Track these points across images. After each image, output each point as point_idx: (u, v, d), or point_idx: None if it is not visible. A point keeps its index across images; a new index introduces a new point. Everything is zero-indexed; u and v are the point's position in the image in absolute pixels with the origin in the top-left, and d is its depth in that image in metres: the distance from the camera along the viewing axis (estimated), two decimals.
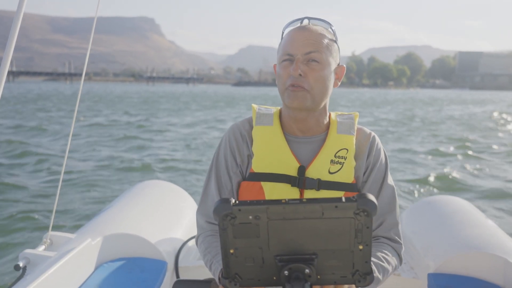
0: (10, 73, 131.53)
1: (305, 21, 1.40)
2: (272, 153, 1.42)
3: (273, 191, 1.39)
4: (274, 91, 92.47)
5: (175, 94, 61.49)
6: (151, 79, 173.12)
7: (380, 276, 1.30)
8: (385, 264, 1.33)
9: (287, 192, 1.39)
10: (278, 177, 1.40)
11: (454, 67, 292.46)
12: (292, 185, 1.39)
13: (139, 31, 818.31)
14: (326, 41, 1.36)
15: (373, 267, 1.28)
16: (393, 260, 1.38)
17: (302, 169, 1.39)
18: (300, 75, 1.32)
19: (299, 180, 1.38)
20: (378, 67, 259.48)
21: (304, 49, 1.33)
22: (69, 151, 8.08)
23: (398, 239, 1.44)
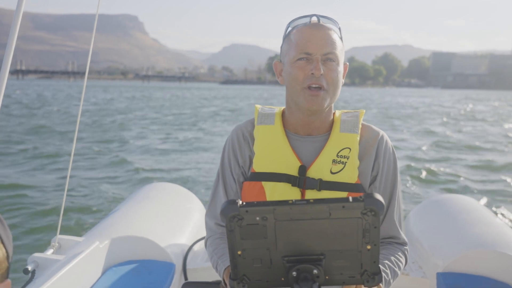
0: (20, 71, 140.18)
1: (314, 19, 1.37)
2: (272, 152, 1.40)
3: (273, 191, 1.37)
4: (270, 90, 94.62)
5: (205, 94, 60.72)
6: (146, 77, 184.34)
7: (392, 281, 1.32)
8: (397, 268, 1.35)
9: (287, 192, 1.36)
10: (278, 176, 1.37)
11: (429, 67, 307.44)
12: (293, 185, 1.36)
13: (122, 29, 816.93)
14: (338, 40, 1.36)
15: (386, 271, 1.31)
16: (402, 262, 1.40)
17: (303, 169, 1.36)
18: (322, 74, 1.31)
19: (300, 180, 1.35)
20: (357, 67, 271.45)
21: (323, 49, 1.31)
22: (77, 154, 9.54)
23: (404, 239, 1.45)
